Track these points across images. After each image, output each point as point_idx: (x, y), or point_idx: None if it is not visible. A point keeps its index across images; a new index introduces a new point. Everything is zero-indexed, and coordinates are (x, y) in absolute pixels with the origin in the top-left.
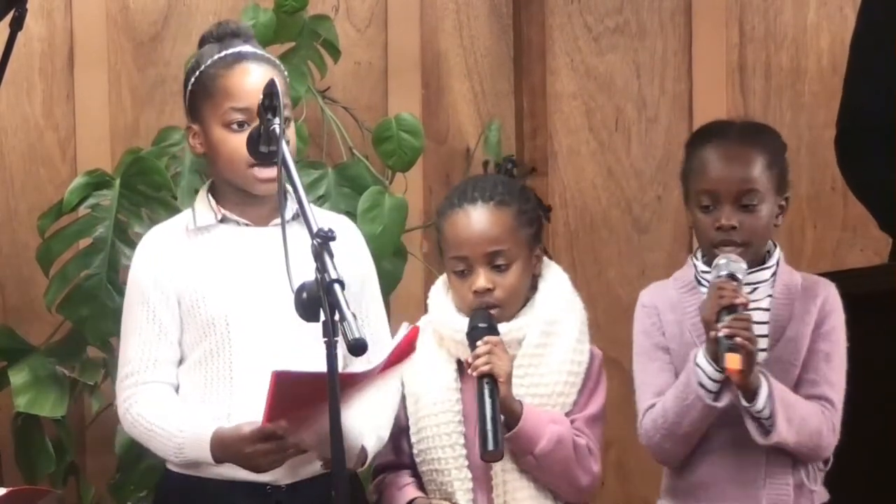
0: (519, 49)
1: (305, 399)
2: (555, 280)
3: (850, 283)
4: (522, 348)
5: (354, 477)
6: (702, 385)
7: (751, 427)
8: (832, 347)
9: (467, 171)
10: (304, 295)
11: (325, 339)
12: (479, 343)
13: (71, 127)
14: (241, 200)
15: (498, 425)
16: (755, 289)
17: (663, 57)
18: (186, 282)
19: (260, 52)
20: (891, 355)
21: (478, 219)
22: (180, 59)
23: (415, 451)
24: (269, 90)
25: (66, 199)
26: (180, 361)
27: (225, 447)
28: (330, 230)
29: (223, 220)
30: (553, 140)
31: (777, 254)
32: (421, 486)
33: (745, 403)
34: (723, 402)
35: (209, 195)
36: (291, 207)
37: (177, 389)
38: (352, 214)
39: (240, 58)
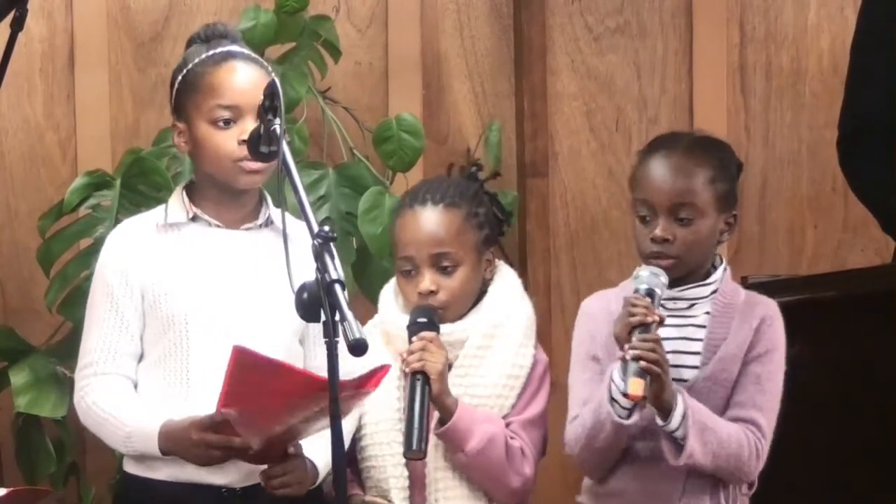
0: (519, 49)
1: (263, 390)
2: (504, 284)
3: (850, 284)
4: (465, 349)
5: (318, 496)
6: (616, 401)
7: (664, 446)
8: (764, 370)
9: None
10: (305, 295)
11: (326, 339)
12: (413, 339)
13: (71, 127)
14: (218, 200)
15: (423, 425)
16: (692, 305)
17: (664, 57)
18: (151, 277)
19: (248, 52)
20: (891, 355)
21: (425, 220)
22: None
23: (356, 447)
24: (271, 90)
25: (67, 200)
26: (141, 358)
27: (173, 437)
28: (331, 230)
29: (194, 218)
30: (554, 140)
31: (721, 271)
32: (360, 482)
33: (659, 422)
34: (632, 421)
35: (184, 193)
36: (265, 213)
37: (135, 386)
38: (352, 215)
39: (227, 56)
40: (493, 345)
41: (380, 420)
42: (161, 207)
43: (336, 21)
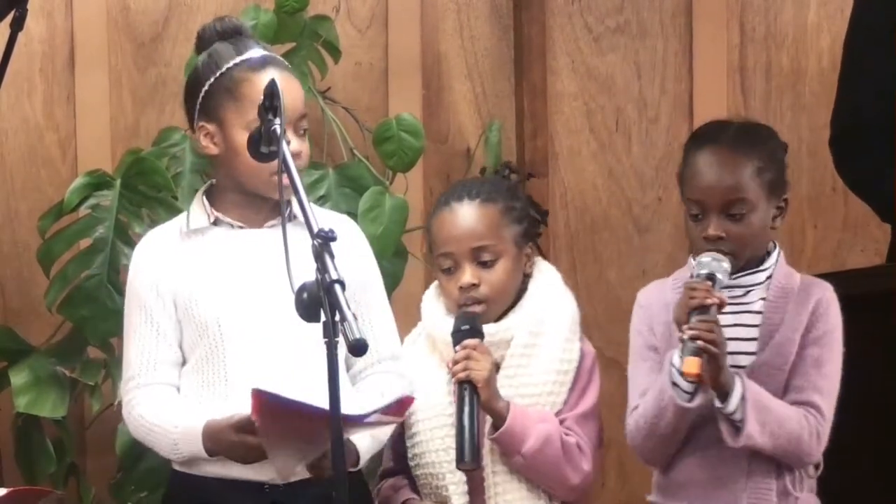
0: (519, 49)
1: (290, 423)
2: (545, 279)
3: (850, 284)
4: (511, 348)
5: (359, 478)
6: (676, 385)
7: (723, 428)
8: (822, 352)
9: (468, 171)
10: (305, 295)
11: (326, 339)
12: (457, 348)
13: (71, 128)
14: (239, 202)
15: (474, 435)
16: (748, 291)
17: (664, 57)
18: (181, 284)
19: (279, 57)
20: (891, 355)
21: (463, 215)
22: (181, 59)
23: (409, 454)
24: (270, 90)
25: (67, 200)
26: (183, 363)
27: (215, 437)
28: (331, 230)
29: (216, 222)
30: (553, 141)
31: (775, 256)
32: (416, 488)
33: (717, 404)
34: (695, 403)
35: (204, 197)
36: (287, 209)
37: (178, 391)
38: (352, 215)
39: (265, 62)
40: (540, 342)
41: (434, 427)
42: (183, 215)
43: (336, 21)
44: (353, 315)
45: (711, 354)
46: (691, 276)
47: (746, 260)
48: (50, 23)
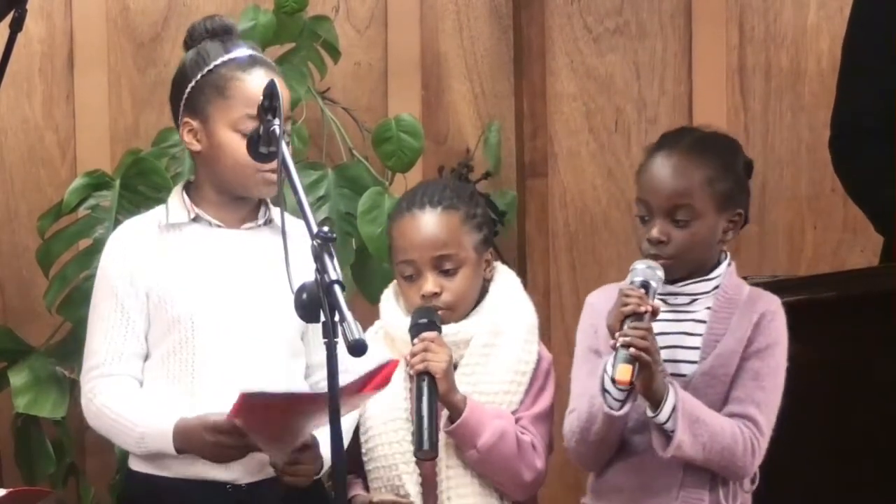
0: (519, 50)
1: (273, 417)
2: (505, 283)
3: (850, 284)
4: (469, 347)
5: (320, 484)
6: (608, 392)
7: (654, 437)
8: (762, 365)
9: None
10: (304, 296)
11: (325, 339)
12: (415, 341)
13: (71, 128)
14: (218, 201)
15: (433, 425)
16: (694, 300)
17: (663, 58)
18: (156, 278)
19: (267, 58)
20: (891, 356)
21: (425, 223)
22: (180, 60)
23: (363, 449)
24: (270, 91)
25: (66, 200)
26: (146, 357)
27: (187, 436)
28: (330, 231)
29: (196, 218)
30: (553, 141)
31: (724, 266)
32: (367, 486)
33: (649, 413)
34: (623, 412)
35: (184, 193)
36: (264, 212)
37: (141, 384)
38: (352, 215)
39: (253, 62)
40: (499, 342)
41: (387, 420)
42: (161, 208)
43: (335, 21)
44: (353, 315)
45: (643, 362)
46: (630, 283)
47: (688, 271)
48: (49, 23)
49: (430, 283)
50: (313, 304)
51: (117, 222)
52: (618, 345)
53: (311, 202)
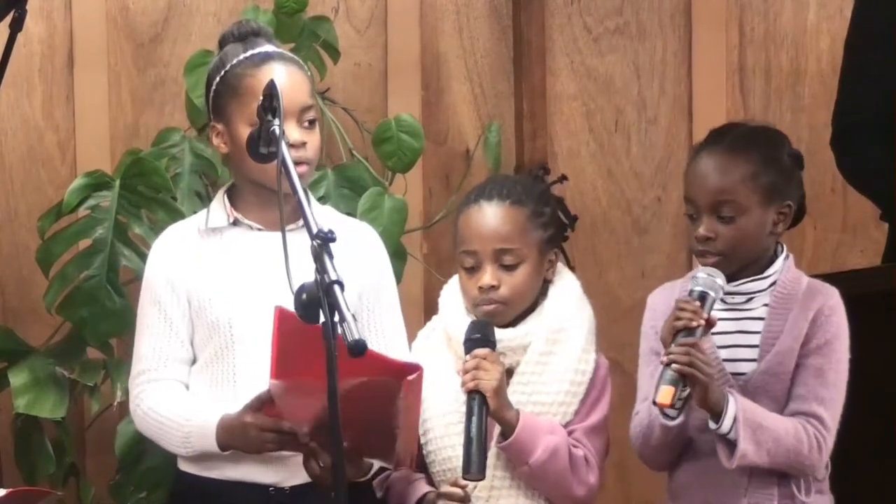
0: (519, 50)
1: (309, 358)
2: (565, 287)
3: (850, 284)
4: (527, 355)
5: (368, 487)
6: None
7: (719, 448)
8: (824, 362)
9: (467, 172)
10: (304, 296)
11: (325, 339)
12: (467, 357)
13: (71, 128)
14: (258, 203)
15: (481, 446)
16: (750, 298)
17: (663, 58)
18: (196, 282)
19: (285, 52)
20: (891, 356)
21: (491, 215)
22: (180, 60)
23: (424, 451)
24: (269, 91)
25: (66, 201)
26: (193, 361)
27: (229, 430)
28: (330, 231)
29: (235, 222)
30: (553, 141)
31: (780, 262)
32: (430, 482)
33: (711, 425)
34: (677, 423)
35: (226, 197)
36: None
37: (188, 388)
38: (351, 216)
39: (267, 58)
40: (556, 350)
41: (448, 424)
42: (202, 212)
43: (335, 22)
44: (353, 316)
45: (691, 379)
46: (689, 293)
47: (743, 265)
48: (49, 23)
49: (489, 275)
50: (313, 304)
51: (117, 222)
52: (662, 362)
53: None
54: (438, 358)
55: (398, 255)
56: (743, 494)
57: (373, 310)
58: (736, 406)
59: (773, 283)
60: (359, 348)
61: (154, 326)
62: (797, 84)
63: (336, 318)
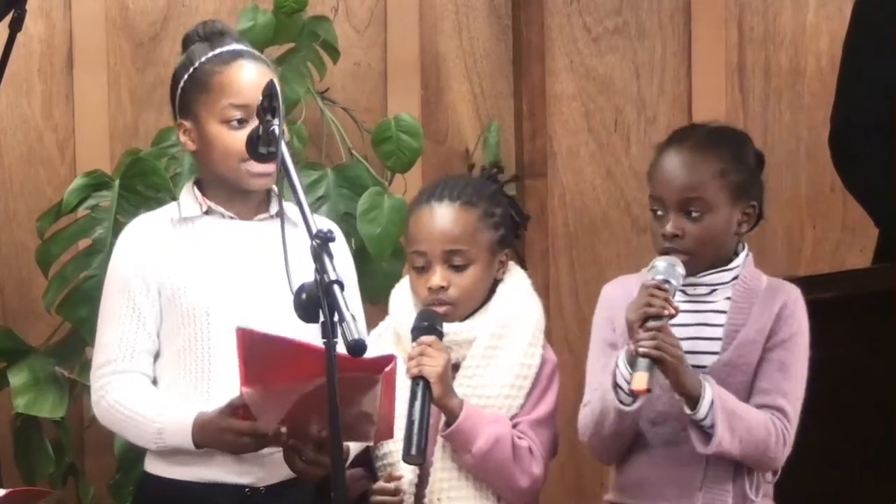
0: (518, 50)
1: (276, 366)
2: (514, 284)
3: (850, 284)
4: (472, 349)
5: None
6: (619, 387)
7: (692, 435)
8: (788, 356)
9: (467, 172)
10: (304, 296)
11: (324, 339)
12: (413, 344)
13: (70, 128)
14: (227, 195)
15: (422, 430)
16: (713, 290)
17: (662, 58)
18: (168, 272)
19: (253, 50)
20: (891, 356)
21: (441, 216)
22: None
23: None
24: (269, 91)
25: (66, 200)
26: (157, 355)
27: (206, 428)
28: (329, 231)
29: (208, 211)
30: (552, 141)
31: (742, 257)
32: (374, 477)
33: (687, 411)
34: (634, 407)
35: (195, 188)
36: (275, 204)
37: (154, 382)
38: (351, 215)
39: (236, 55)
40: (501, 345)
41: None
42: (172, 205)
43: (335, 21)
44: (352, 315)
45: (663, 363)
46: (651, 280)
47: (708, 265)
48: (48, 23)
49: (438, 276)
50: (312, 304)
51: (117, 222)
52: (632, 350)
53: (311, 202)
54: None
55: (397, 255)
56: (698, 489)
57: None
58: (712, 392)
59: (735, 278)
60: (359, 348)
61: (121, 316)
62: (796, 83)
63: (335, 318)
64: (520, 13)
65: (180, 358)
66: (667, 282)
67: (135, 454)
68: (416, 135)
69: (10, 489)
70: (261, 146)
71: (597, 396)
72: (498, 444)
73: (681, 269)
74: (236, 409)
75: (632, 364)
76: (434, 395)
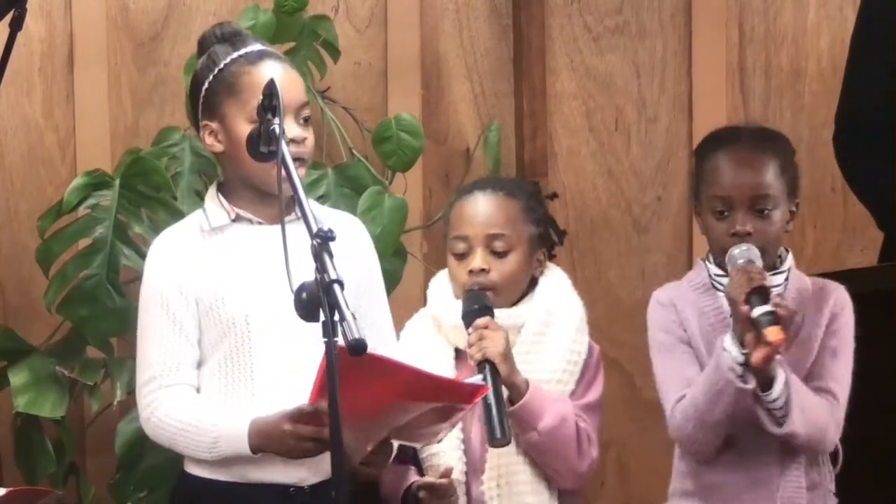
0: (519, 50)
1: (358, 386)
2: (555, 277)
3: (850, 284)
4: (521, 335)
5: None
6: (731, 369)
7: (763, 417)
8: (839, 343)
9: (467, 171)
10: (304, 295)
11: (325, 339)
12: (469, 331)
13: (71, 127)
14: (254, 198)
15: (502, 411)
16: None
17: (663, 57)
18: (205, 283)
19: (276, 50)
20: (891, 355)
21: (484, 202)
22: (180, 59)
23: None
24: (269, 90)
25: (66, 200)
26: (200, 364)
27: (264, 433)
28: (329, 230)
29: (237, 219)
30: (553, 141)
31: (789, 259)
32: (420, 472)
33: (760, 393)
34: (752, 384)
35: (219, 194)
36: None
37: (199, 392)
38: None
39: (263, 55)
40: (549, 331)
41: None
42: (198, 213)
43: (335, 21)
44: (353, 315)
45: (787, 318)
46: (738, 264)
47: (771, 261)
48: (49, 22)
49: (480, 258)
50: (313, 303)
51: (117, 222)
52: (757, 314)
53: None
54: (428, 344)
55: (398, 255)
56: (776, 489)
57: (366, 303)
58: (786, 374)
59: (787, 279)
60: (359, 347)
61: (163, 331)
62: (797, 83)
63: (336, 317)
64: (520, 13)
65: (223, 367)
66: (752, 261)
67: (135, 454)
68: (416, 134)
69: (11, 488)
70: (261, 145)
71: (700, 385)
72: (564, 423)
73: (756, 253)
74: (304, 415)
75: (754, 326)
76: (502, 375)
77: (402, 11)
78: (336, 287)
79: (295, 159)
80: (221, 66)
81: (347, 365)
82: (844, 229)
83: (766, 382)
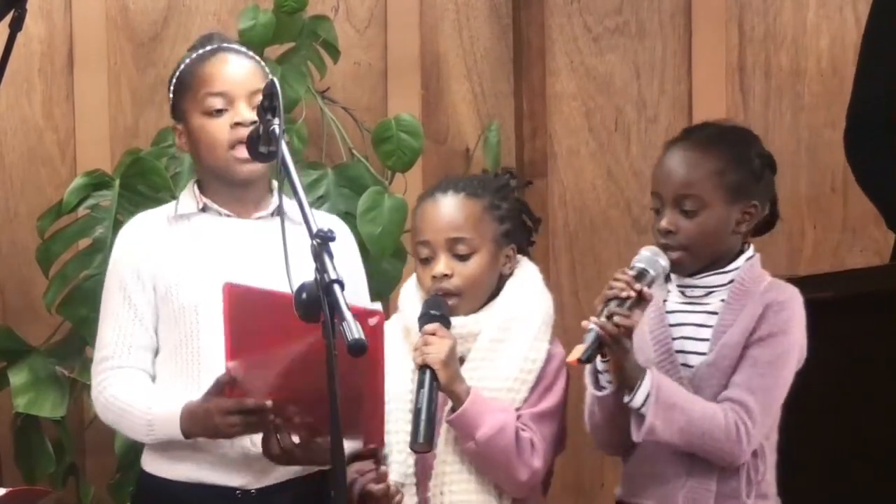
0: (519, 50)
1: (262, 327)
2: (524, 279)
3: (850, 284)
4: (477, 342)
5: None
6: (597, 373)
7: (632, 422)
8: (762, 353)
9: (467, 171)
10: (304, 295)
11: (325, 339)
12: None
13: (70, 128)
14: (226, 193)
15: (429, 418)
16: (710, 292)
17: (663, 57)
18: (162, 269)
19: (238, 46)
20: (891, 355)
21: (445, 205)
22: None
23: None
24: (270, 90)
25: (66, 200)
26: (157, 351)
27: (192, 415)
28: (329, 230)
29: (204, 209)
30: (553, 141)
31: (743, 259)
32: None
33: (625, 399)
34: (604, 393)
35: (195, 186)
36: (274, 202)
37: (153, 378)
38: (351, 215)
39: (216, 50)
40: (506, 338)
41: (390, 410)
42: (173, 203)
43: (335, 21)
44: (353, 315)
45: (604, 342)
46: (630, 268)
47: (705, 262)
48: (49, 23)
49: (442, 264)
50: (313, 303)
51: (117, 222)
52: (584, 327)
53: (311, 202)
54: (395, 350)
55: (398, 255)
56: (681, 487)
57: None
58: (651, 383)
59: (732, 280)
60: (359, 347)
61: (119, 313)
62: (797, 83)
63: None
64: (520, 13)
65: (173, 355)
66: (643, 270)
67: (135, 454)
68: (416, 134)
69: (11, 488)
70: (261, 145)
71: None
72: (501, 432)
73: (664, 262)
74: (223, 386)
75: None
76: (440, 382)
77: (402, 11)
78: (336, 287)
79: (239, 142)
80: (182, 67)
81: (240, 305)
82: (844, 229)
83: (631, 388)
